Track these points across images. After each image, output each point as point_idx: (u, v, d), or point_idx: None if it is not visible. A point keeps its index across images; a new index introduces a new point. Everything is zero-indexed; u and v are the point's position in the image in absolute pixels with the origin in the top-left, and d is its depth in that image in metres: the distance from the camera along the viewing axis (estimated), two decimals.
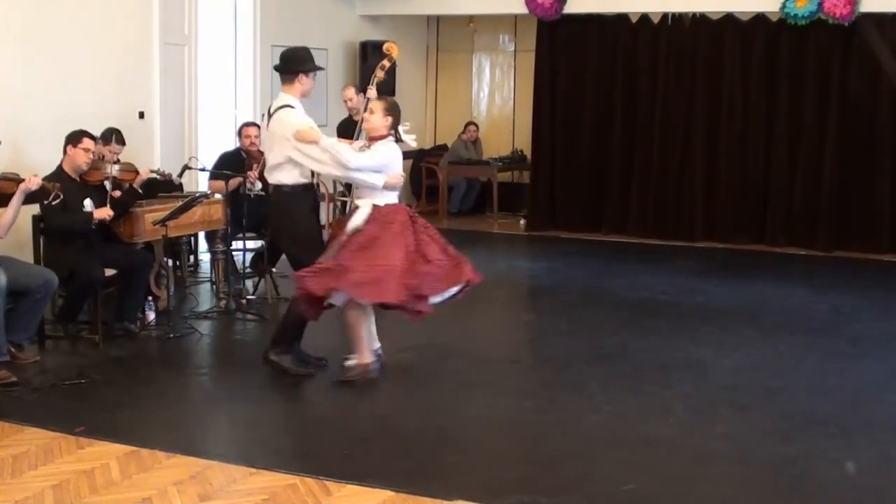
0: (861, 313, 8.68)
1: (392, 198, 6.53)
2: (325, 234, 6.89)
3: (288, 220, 6.56)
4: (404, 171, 6.72)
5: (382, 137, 6.52)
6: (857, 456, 5.26)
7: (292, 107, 6.48)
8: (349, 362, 6.56)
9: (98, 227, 7.26)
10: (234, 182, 8.46)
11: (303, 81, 6.57)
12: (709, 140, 12.36)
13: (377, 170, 6.41)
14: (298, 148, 6.35)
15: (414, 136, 6.70)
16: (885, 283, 10.25)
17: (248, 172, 8.50)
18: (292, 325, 6.63)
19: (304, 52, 6.67)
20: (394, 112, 6.53)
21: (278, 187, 6.54)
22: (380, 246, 6.27)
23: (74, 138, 7.20)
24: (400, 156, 6.58)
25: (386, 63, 9.57)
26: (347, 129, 9.71)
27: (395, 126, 6.56)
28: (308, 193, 6.63)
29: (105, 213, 7.18)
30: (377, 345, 6.70)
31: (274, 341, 6.67)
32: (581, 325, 8.15)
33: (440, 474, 5.00)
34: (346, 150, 6.38)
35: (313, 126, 6.44)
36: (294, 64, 6.58)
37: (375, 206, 6.42)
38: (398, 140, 6.59)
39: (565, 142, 13.12)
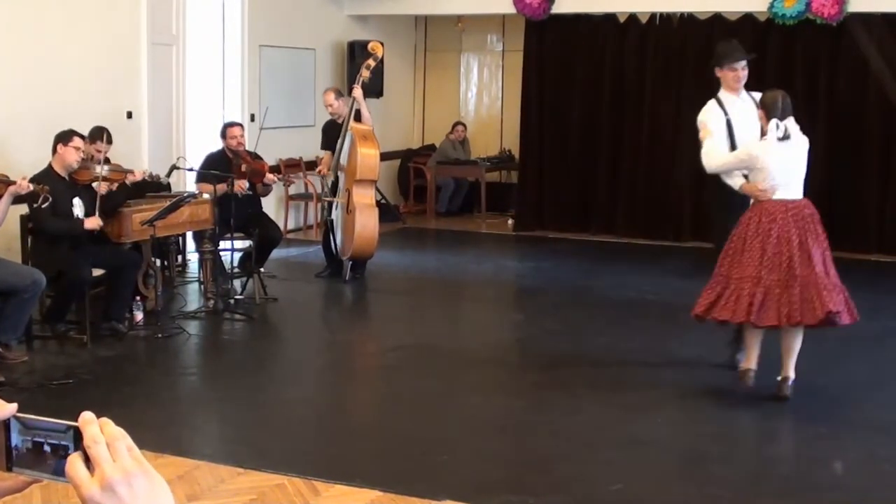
0: None
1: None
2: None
3: (713, 208, 7.07)
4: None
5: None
6: (844, 456, 5.29)
7: (716, 99, 6.69)
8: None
9: None
10: (221, 187, 8.45)
11: (721, 76, 6.67)
12: (697, 140, 12.33)
13: (733, 170, 6.41)
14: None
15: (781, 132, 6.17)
16: (873, 282, 10.25)
17: (237, 182, 8.49)
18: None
19: (722, 48, 6.75)
20: (766, 105, 6.20)
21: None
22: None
23: (65, 137, 7.17)
24: (769, 154, 6.16)
25: (371, 62, 9.64)
26: (333, 131, 9.72)
27: (769, 117, 6.16)
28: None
29: (94, 222, 7.14)
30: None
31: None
32: (569, 326, 8.15)
33: (428, 474, 5.01)
34: (707, 149, 6.49)
35: (706, 124, 6.60)
36: (712, 60, 6.70)
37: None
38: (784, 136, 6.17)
39: (553, 142, 13.11)
